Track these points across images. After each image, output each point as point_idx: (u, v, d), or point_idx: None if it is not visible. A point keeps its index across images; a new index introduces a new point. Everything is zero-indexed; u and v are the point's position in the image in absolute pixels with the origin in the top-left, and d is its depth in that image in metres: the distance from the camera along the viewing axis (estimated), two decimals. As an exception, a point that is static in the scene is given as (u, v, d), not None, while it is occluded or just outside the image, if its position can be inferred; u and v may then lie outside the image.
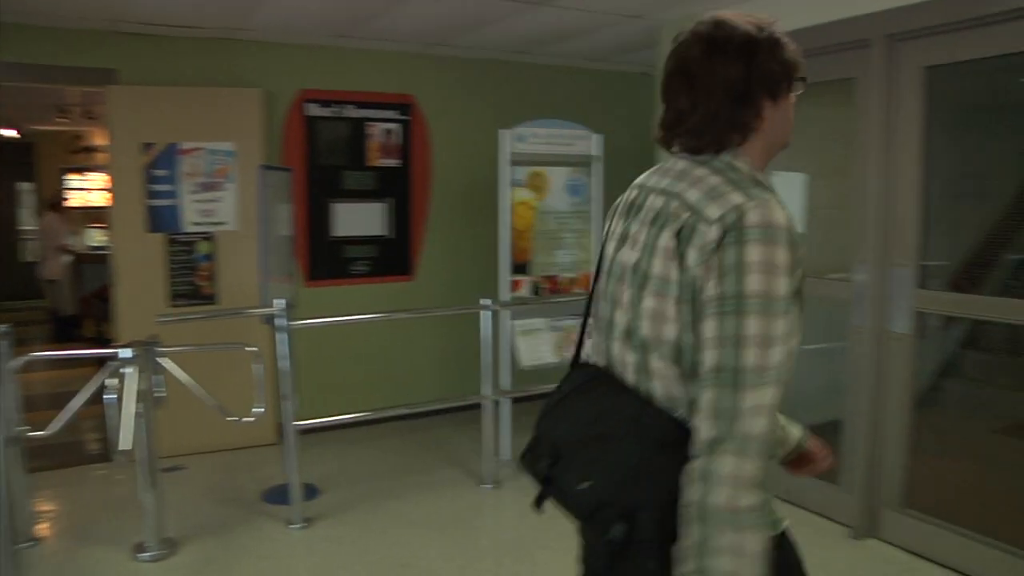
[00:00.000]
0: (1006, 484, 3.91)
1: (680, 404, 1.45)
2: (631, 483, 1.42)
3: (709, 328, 1.36)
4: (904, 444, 4.01)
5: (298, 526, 4.26)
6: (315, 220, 5.79)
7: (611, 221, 1.71)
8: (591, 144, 5.44)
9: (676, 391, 1.45)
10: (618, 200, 1.75)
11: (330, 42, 5.64)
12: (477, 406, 4.94)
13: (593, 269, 1.75)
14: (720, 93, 1.49)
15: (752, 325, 1.33)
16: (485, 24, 5.18)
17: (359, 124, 5.91)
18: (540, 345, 5.19)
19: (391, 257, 6.08)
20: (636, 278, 1.51)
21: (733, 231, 1.35)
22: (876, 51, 3.93)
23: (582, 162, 5.43)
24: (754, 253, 1.34)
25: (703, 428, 1.34)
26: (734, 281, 1.34)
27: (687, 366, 1.43)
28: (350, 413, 4.94)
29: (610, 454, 1.45)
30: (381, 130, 5.97)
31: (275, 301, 4.28)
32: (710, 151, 1.52)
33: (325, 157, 5.82)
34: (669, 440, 1.42)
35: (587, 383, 1.61)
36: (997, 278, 4.10)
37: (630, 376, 1.53)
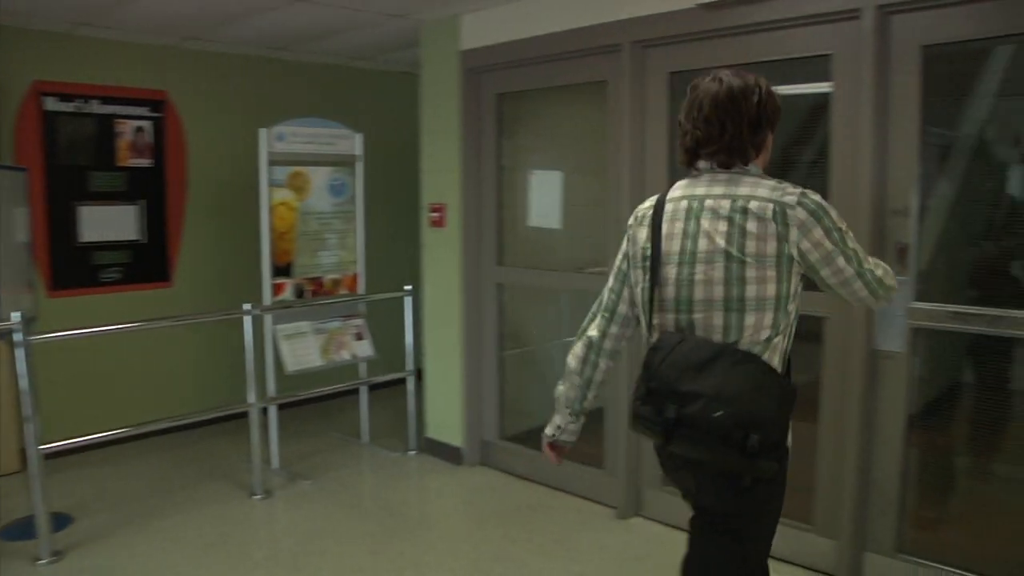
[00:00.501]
0: None
1: (761, 344, 2.04)
2: (754, 404, 1.93)
3: (841, 261, 2.05)
4: None
5: (46, 561, 3.80)
6: (58, 224, 5.22)
7: (654, 228, 2.16)
8: (353, 143, 5.27)
9: (763, 334, 2.04)
10: (642, 213, 2.24)
11: (70, 29, 5.08)
12: (245, 414, 4.64)
13: (644, 267, 2.18)
14: (743, 122, 2.07)
15: (851, 242, 2.08)
16: (241, 18, 4.86)
17: (106, 121, 5.39)
18: (306, 349, 4.96)
19: (146, 263, 5.61)
20: (731, 259, 2.02)
21: (817, 210, 2.02)
22: (625, 56, 4.02)
23: (344, 162, 5.24)
24: (833, 214, 2.05)
25: (867, 293, 2.14)
26: (837, 233, 2.04)
27: (779, 310, 2.04)
28: (105, 431, 4.48)
29: (735, 384, 1.94)
30: (132, 128, 5.48)
31: (11, 314, 3.81)
32: (737, 163, 2.10)
33: (68, 156, 5.26)
34: (763, 371, 2.01)
35: (679, 344, 2.03)
36: None
37: (717, 335, 2.05)
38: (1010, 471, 3.57)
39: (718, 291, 2.03)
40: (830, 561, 3.55)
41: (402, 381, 5.40)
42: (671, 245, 2.11)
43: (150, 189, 5.58)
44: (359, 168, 5.29)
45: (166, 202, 5.65)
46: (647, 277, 2.16)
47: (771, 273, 2.01)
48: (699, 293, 2.06)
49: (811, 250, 2.02)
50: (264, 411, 4.81)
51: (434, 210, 5.02)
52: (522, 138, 4.97)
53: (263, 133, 4.84)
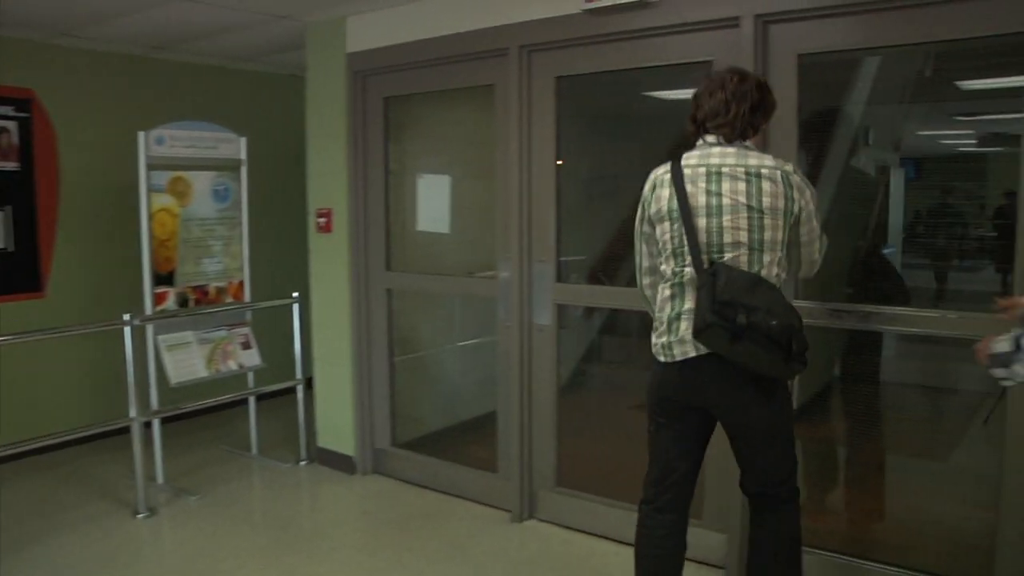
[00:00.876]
0: (638, 455, 4.19)
1: (774, 278, 2.57)
2: (792, 315, 2.47)
3: (815, 221, 2.65)
4: (553, 428, 4.17)
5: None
6: (-89, 233, 4.89)
7: (678, 187, 2.59)
8: (237, 147, 5.12)
9: (774, 270, 2.58)
10: (659, 177, 2.67)
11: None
12: (127, 430, 4.45)
13: (671, 218, 2.61)
14: (747, 105, 2.60)
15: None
16: (117, 15, 4.65)
17: (-36, 121, 5.08)
18: (190, 360, 4.79)
19: (15, 272, 5.29)
20: (752, 210, 2.53)
21: (804, 178, 2.61)
22: (513, 60, 4.03)
23: (228, 166, 5.09)
24: (810, 185, 2.64)
25: (818, 256, 2.76)
26: (814, 200, 2.64)
27: (782, 252, 2.59)
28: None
29: (777, 302, 2.47)
30: (-5, 129, 5.18)
31: None
32: (738, 139, 2.60)
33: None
34: (784, 297, 2.55)
35: (730, 271, 2.49)
36: (627, 269, 4.39)
37: (743, 268, 2.54)
38: (884, 458, 3.74)
39: (743, 235, 2.54)
40: (720, 555, 3.64)
41: (291, 390, 5.29)
42: (697, 201, 2.57)
43: (17, 194, 5.27)
44: (243, 173, 5.15)
45: (36, 208, 5.36)
46: (675, 227, 2.61)
47: (780, 222, 2.54)
48: (728, 237, 2.54)
49: (804, 207, 2.59)
50: (147, 425, 4.62)
51: (321, 215, 4.93)
52: (410, 142, 4.93)
53: (141, 136, 4.64)
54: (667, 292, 2.66)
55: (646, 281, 2.85)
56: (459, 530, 4.17)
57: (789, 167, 2.57)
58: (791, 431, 2.74)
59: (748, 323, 2.40)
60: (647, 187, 2.71)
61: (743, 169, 2.54)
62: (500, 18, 4.04)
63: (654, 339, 2.71)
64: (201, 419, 5.91)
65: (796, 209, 2.56)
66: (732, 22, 3.37)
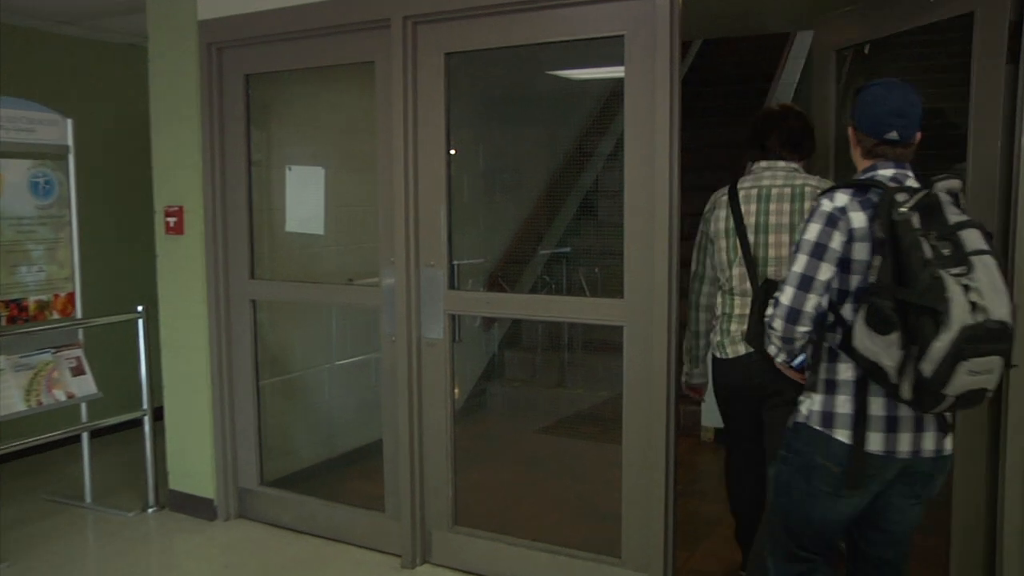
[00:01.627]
0: (548, 485, 4.13)
1: None
2: None
3: None
4: (449, 458, 4.06)
5: None
6: None
7: (733, 208, 3.20)
8: (62, 131, 4.70)
9: None
10: (717, 200, 3.28)
11: None
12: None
13: (727, 235, 3.23)
14: (806, 128, 3.30)
15: None
16: None
17: None
18: (3, 391, 4.33)
19: None
20: (795, 228, 3.04)
21: None
22: (396, 33, 3.88)
23: (50, 153, 4.68)
24: None
25: None
26: None
27: None
28: None
29: None
30: None
31: None
32: (797, 160, 3.27)
33: None
34: None
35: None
36: (532, 274, 4.31)
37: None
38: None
39: (784, 251, 3.12)
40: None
41: (136, 423, 4.87)
42: (749, 220, 3.19)
43: None
44: (71, 161, 4.75)
45: None
46: (731, 242, 3.23)
47: None
48: (772, 252, 3.15)
49: None
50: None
51: (170, 214, 4.60)
52: (278, 128, 4.75)
53: (-67, 115, 4.16)
54: (720, 297, 3.34)
55: (698, 287, 3.47)
56: (342, 583, 3.91)
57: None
58: None
59: None
60: (707, 207, 3.34)
61: (789, 189, 3.18)
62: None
63: (712, 337, 3.37)
64: (18, 464, 5.39)
65: None
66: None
